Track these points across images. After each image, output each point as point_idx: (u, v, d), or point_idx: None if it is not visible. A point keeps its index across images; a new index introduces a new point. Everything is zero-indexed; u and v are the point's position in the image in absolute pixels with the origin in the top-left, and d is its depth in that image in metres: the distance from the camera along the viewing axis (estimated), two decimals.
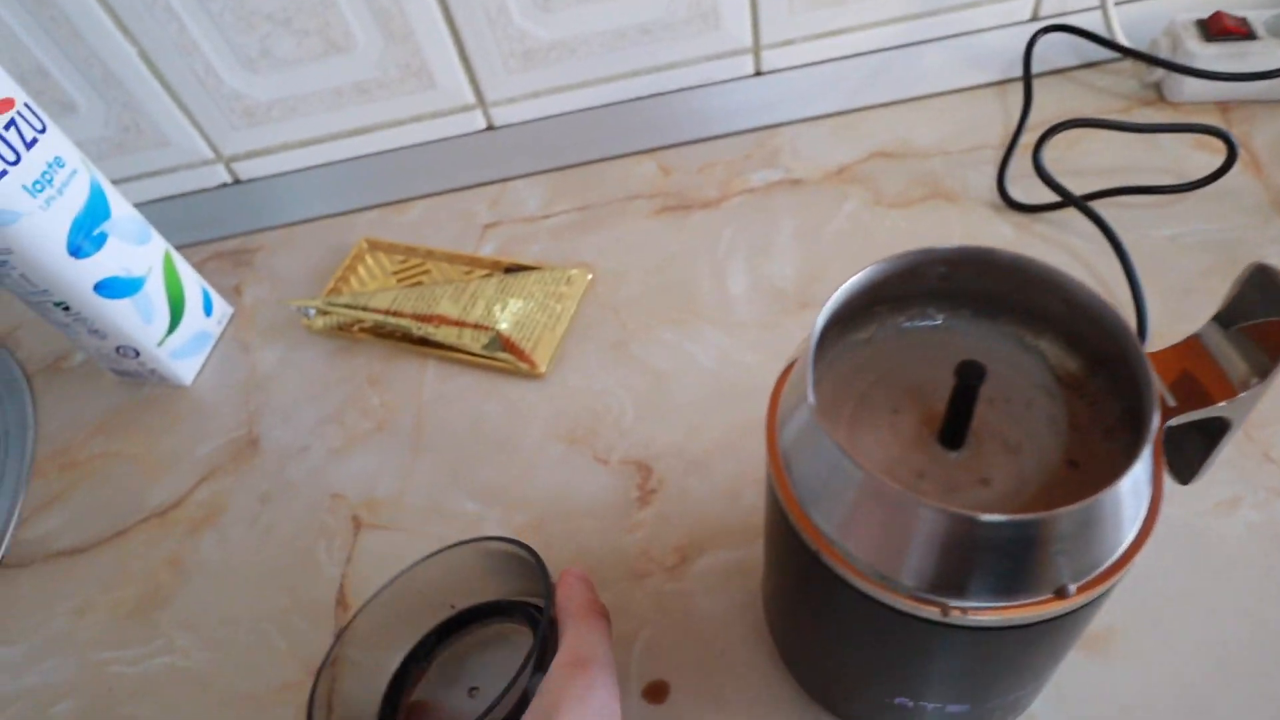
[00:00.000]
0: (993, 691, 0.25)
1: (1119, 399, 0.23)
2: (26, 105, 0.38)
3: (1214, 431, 0.24)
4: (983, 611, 0.20)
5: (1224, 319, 0.23)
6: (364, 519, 0.40)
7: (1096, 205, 0.45)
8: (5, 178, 0.37)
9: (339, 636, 0.31)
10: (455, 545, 0.32)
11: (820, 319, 0.21)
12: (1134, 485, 0.20)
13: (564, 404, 0.42)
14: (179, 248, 0.54)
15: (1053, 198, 0.45)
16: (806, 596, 0.24)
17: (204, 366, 0.48)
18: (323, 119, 0.53)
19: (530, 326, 0.45)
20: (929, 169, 0.49)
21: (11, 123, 0.37)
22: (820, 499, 0.21)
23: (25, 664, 0.38)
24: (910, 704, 0.26)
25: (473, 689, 0.33)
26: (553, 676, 0.25)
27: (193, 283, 0.48)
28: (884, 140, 0.51)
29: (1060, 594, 0.19)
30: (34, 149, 0.38)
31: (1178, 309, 0.41)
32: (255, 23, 0.48)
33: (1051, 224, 0.46)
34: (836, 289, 0.22)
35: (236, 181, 0.56)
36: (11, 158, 0.37)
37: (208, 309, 0.48)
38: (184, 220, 0.55)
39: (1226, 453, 0.36)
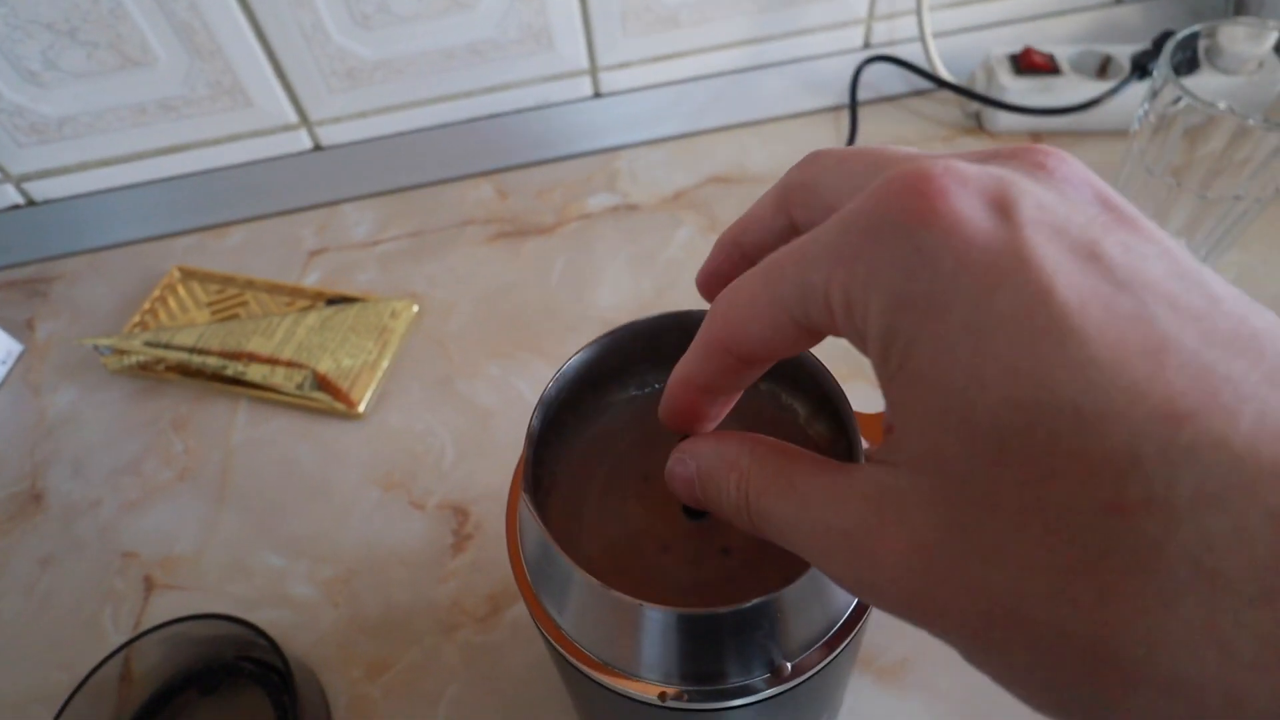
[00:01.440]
0: None
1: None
2: None
3: None
4: (700, 697, 0.19)
5: None
6: (158, 579, 0.37)
7: None
8: None
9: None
10: (175, 622, 0.32)
11: (535, 417, 0.21)
12: None
13: (383, 446, 0.40)
14: None
15: None
16: (558, 670, 0.24)
17: None
18: (126, 136, 0.48)
19: (350, 363, 0.42)
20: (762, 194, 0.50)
21: None
22: (544, 584, 0.20)
23: None
24: None
25: None
26: None
27: None
28: (720, 164, 0.51)
29: (776, 674, 0.19)
30: None
31: None
32: (34, 32, 0.43)
33: None
34: (553, 375, 0.21)
35: (31, 203, 0.51)
36: None
37: None
38: None
39: None
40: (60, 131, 0.47)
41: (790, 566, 0.22)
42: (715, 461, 0.17)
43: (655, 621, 0.18)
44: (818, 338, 0.14)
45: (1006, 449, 0.11)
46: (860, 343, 0.13)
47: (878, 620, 0.24)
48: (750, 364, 0.16)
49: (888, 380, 0.13)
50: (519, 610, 0.35)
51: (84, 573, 0.37)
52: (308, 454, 0.41)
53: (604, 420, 0.25)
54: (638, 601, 0.17)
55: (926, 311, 0.12)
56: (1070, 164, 0.13)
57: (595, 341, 0.22)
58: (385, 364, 0.43)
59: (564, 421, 0.24)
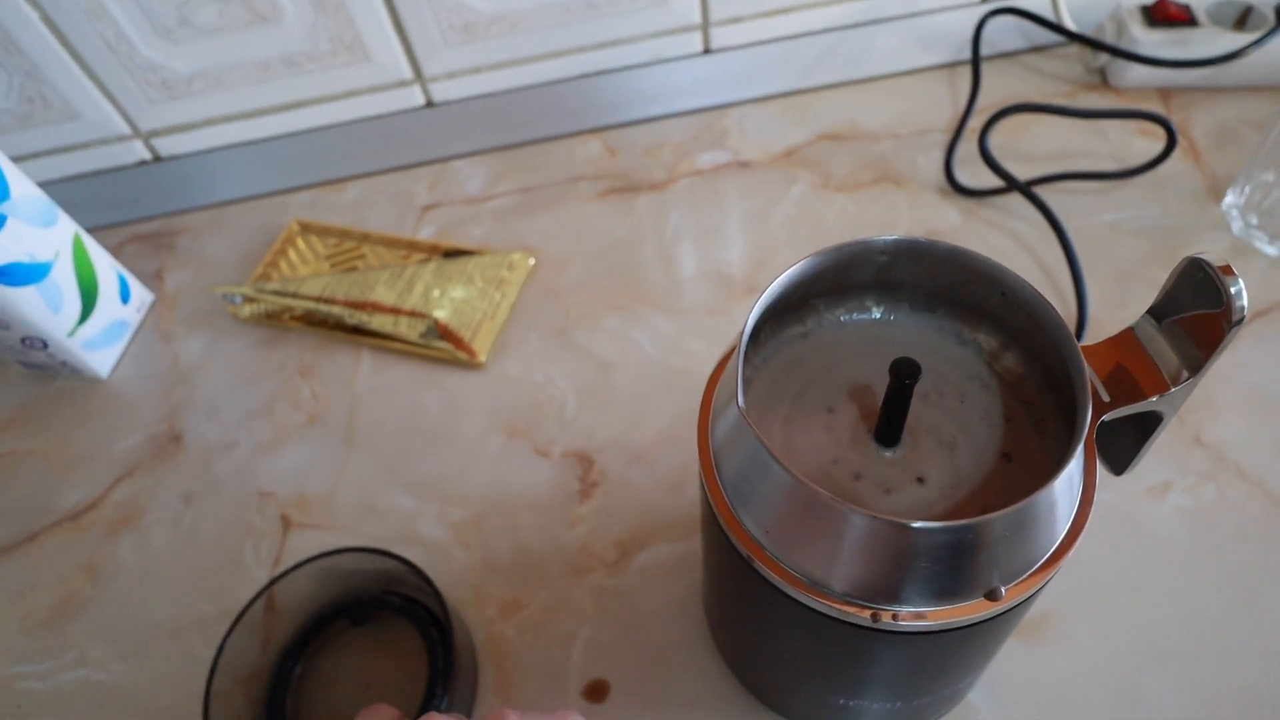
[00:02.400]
0: (928, 688, 0.25)
1: (1053, 392, 0.23)
2: None
3: (1147, 423, 0.23)
4: (914, 616, 0.19)
5: (1157, 312, 0.22)
6: (294, 518, 0.38)
7: (1041, 190, 0.45)
8: None
9: (220, 651, 0.30)
10: (327, 555, 0.32)
11: (751, 318, 0.20)
12: (1066, 485, 0.20)
13: (504, 394, 0.41)
14: (94, 229, 0.51)
15: (999, 183, 0.45)
16: (740, 598, 0.24)
17: (122, 357, 0.45)
18: (250, 93, 0.50)
19: (470, 314, 0.43)
20: (877, 152, 0.49)
21: None
22: (750, 502, 0.20)
23: None
24: (847, 702, 0.25)
25: (366, 685, 0.33)
26: None
27: (107, 268, 0.45)
28: (832, 122, 0.50)
29: (992, 596, 0.19)
30: None
31: (1117, 294, 0.41)
32: None
33: (997, 209, 0.46)
34: (771, 284, 0.21)
35: (157, 159, 0.52)
36: None
37: (125, 296, 0.46)
38: (99, 199, 0.51)
39: (1159, 438, 0.36)
40: (189, 88, 0.48)
41: (984, 497, 0.22)
42: None
43: (896, 536, 0.18)
44: None
45: None
46: None
47: None
48: None
49: None
50: (648, 556, 0.35)
51: (224, 510, 0.39)
52: (431, 401, 0.41)
53: (782, 354, 0.24)
54: (875, 514, 0.17)
55: None
56: None
57: (819, 254, 0.22)
58: (504, 315, 0.43)
59: (759, 338, 0.23)
